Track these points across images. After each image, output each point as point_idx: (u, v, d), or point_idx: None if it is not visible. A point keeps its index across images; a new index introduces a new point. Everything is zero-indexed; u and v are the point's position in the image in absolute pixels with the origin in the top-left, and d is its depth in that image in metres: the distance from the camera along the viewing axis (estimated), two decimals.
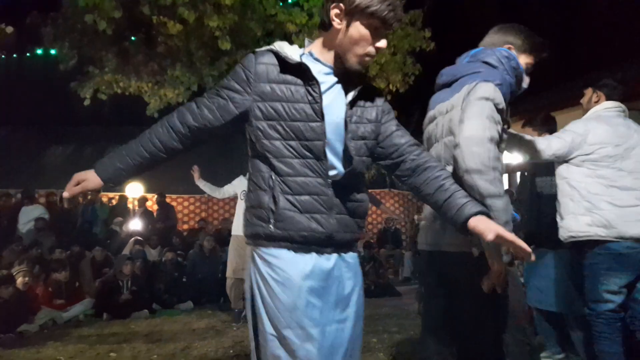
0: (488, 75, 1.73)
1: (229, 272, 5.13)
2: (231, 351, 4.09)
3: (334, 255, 1.47)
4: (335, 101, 1.47)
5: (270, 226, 1.42)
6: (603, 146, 2.58)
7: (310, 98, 1.43)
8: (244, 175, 5.30)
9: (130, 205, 10.38)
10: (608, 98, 2.78)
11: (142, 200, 9.89)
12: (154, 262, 7.14)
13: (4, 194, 8.64)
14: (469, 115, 1.63)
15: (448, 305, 1.80)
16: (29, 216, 7.75)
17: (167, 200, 10.20)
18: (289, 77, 1.44)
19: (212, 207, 11.45)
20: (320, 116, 1.42)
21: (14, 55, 11.32)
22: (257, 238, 1.46)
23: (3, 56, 8.18)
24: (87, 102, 7.63)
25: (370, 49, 1.43)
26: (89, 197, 8.72)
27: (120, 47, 7.14)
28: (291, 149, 1.43)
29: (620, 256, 2.49)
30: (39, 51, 10.27)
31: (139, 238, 7.57)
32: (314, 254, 1.44)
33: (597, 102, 2.80)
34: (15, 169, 12.72)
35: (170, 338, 4.64)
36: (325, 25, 1.49)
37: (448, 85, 1.87)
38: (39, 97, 16.53)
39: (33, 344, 4.44)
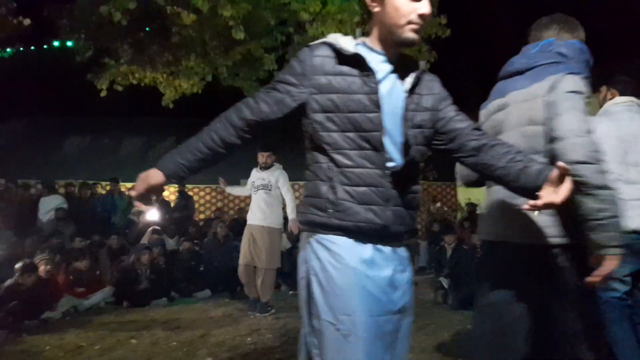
0: (573, 67, 1.71)
1: (241, 259, 5.19)
2: (248, 339, 4.15)
3: (388, 248, 1.47)
4: (392, 90, 1.46)
5: (328, 216, 1.43)
6: (606, 140, 2.57)
7: (366, 89, 1.42)
8: (256, 168, 5.32)
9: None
10: (622, 94, 2.76)
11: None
12: (171, 251, 7.24)
13: (24, 185, 8.82)
14: (564, 109, 1.61)
15: (515, 302, 1.70)
16: (49, 206, 7.91)
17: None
18: (344, 69, 1.44)
19: (227, 197, 11.52)
20: (377, 107, 1.42)
21: (32, 48, 11.46)
22: (313, 226, 1.47)
23: (21, 48, 8.28)
24: (103, 94, 7.71)
25: (413, 16, 1.41)
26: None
27: (135, 38, 7.19)
28: (349, 141, 1.43)
29: (625, 246, 2.49)
30: (56, 43, 10.37)
31: (157, 227, 7.67)
32: (369, 245, 1.44)
33: (611, 99, 2.78)
34: (34, 159, 12.93)
35: (188, 325, 4.72)
36: (368, 16, 1.50)
37: (519, 73, 1.84)
38: (56, 88, 16.75)
39: (56, 331, 4.56)
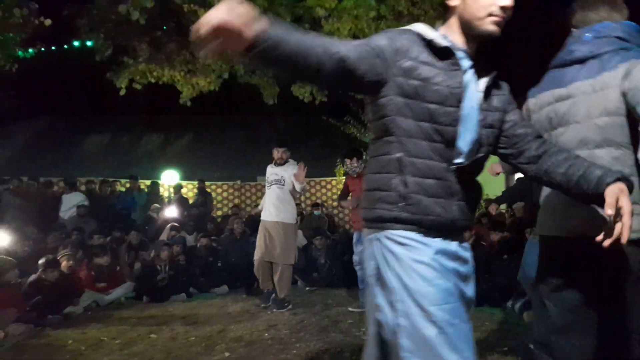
0: None
1: (256, 255, 5.20)
2: (266, 334, 4.18)
3: (455, 242, 1.46)
4: (468, 87, 1.44)
5: (399, 210, 1.39)
6: None
7: (451, 82, 1.39)
8: (271, 164, 5.33)
9: (166, 193, 10.65)
10: None
11: (178, 188, 10.12)
12: (190, 247, 7.32)
13: (47, 183, 9.01)
14: None
15: (590, 297, 1.65)
16: (70, 203, 8.07)
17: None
18: (431, 59, 1.40)
19: (244, 194, 11.61)
20: (458, 102, 1.39)
21: (53, 48, 11.66)
22: (382, 221, 1.43)
23: (43, 48, 8.44)
24: (122, 92, 7.80)
25: (493, 8, 1.38)
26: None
27: (153, 36, 7.26)
28: (421, 131, 1.39)
29: None
30: (76, 43, 10.53)
31: (176, 224, 7.76)
32: (439, 239, 1.42)
33: None
34: (55, 157, 13.20)
35: (207, 321, 4.77)
36: (445, 10, 1.48)
37: (580, 61, 1.78)
38: (77, 87, 17.06)
39: (78, 325, 4.66)
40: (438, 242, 1.41)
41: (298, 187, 5.07)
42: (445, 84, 1.38)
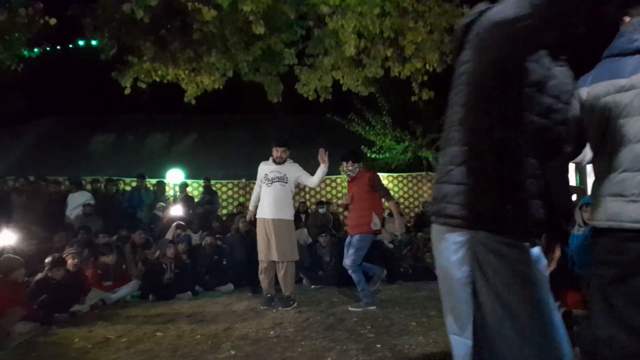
0: None
1: (260, 256, 5.18)
2: (271, 332, 4.18)
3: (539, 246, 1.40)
4: None
5: (504, 212, 1.29)
6: None
7: (563, 77, 1.34)
8: (265, 161, 5.31)
9: (171, 191, 10.68)
10: None
11: (183, 186, 10.15)
12: (195, 245, 7.33)
13: (54, 182, 9.05)
14: None
15: None
16: (76, 202, 8.11)
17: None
18: (543, 50, 1.31)
19: (249, 192, 11.60)
20: (569, 98, 1.34)
21: (58, 47, 11.70)
22: (480, 222, 1.31)
23: (48, 48, 8.47)
24: (127, 91, 7.82)
25: None
26: None
27: (157, 35, 7.26)
28: (533, 126, 1.29)
29: None
30: (81, 42, 10.55)
31: (181, 223, 7.77)
32: (534, 242, 1.35)
33: None
34: (61, 157, 13.23)
35: (212, 319, 4.78)
36: None
37: None
38: (82, 87, 17.12)
39: (85, 323, 4.68)
40: (535, 247, 1.35)
41: (320, 173, 5.01)
42: (562, 77, 1.32)
